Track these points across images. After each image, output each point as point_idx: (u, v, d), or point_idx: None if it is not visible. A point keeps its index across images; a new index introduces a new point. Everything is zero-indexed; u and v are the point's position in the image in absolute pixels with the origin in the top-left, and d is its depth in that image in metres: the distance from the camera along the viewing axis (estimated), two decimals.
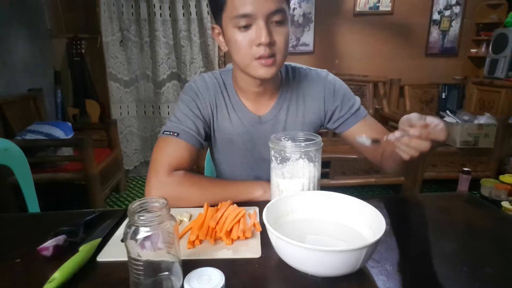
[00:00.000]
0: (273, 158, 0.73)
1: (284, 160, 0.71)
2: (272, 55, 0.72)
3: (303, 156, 0.70)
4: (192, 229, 0.65)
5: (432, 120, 0.56)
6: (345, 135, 0.91)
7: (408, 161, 0.62)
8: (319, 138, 0.72)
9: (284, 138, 0.73)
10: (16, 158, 1.14)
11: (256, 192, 0.80)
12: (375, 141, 0.61)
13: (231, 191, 0.79)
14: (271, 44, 0.71)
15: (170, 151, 0.79)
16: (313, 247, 0.48)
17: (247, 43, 0.71)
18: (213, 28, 0.80)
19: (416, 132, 0.55)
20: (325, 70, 0.92)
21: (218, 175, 0.99)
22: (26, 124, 2.14)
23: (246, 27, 0.70)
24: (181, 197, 0.76)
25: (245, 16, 0.69)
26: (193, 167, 0.84)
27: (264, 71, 0.74)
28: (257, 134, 0.88)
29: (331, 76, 0.91)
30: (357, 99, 0.91)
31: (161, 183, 0.76)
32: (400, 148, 0.59)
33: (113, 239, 0.65)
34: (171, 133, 0.80)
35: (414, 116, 0.58)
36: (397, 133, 0.57)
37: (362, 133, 0.83)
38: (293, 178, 0.71)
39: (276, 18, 0.70)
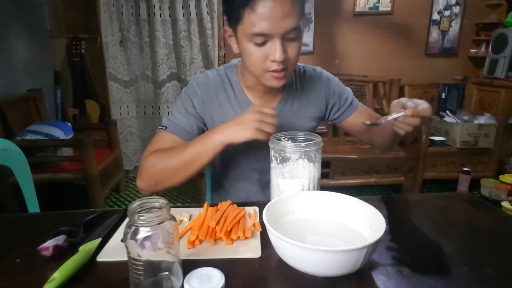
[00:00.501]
0: (273, 158, 0.73)
1: (284, 160, 0.71)
2: (284, 69, 0.75)
3: (303, 156, 0.70)
4: (192, 229, 0.65)
5: (419, 101, 0.68)
6: (343, 124, 1.00)
7: (399, 136, 0.77)
8: (319, 138, 0.72)
9: (284, 138, 0.73)
10: (16, 159, 1.14)
11: (215, 135, 0.73)
12: (375, 124, 0.76)
13: (195, 145, 0.75)
14: (284, 60, 0.72)
15: (156, 143, 0.81)
16: (313, 247, 0.48)
17: (261, 57, 0.73)
18: (225, 31, 0.80)
19: (409, 112, 0.67)
20: (318, 67, 0.97)
21: (222, 171, 0.99)
22: (26, 124, 2.14)
23: (262, 44, 0.71)
24: (162, 171, 0.75)
25: (262, 34, 0.70)
26: None
27: (275, 82, 0.77)
28: None
29: (325, 72, 0.97)
30: (349, 90, 0.98)
31: (142, 173, 0.77)
32: (398, 126, 0.70)
33: (113, 239, 0.65)
34: (162, 127, 0.83)
35: (403, 99, 0.70)
36: (394, 114, 0.69)
37: (358, 121, 0.96)
38: (293, 178, 0.71)
39: (291, 35, 0.72)
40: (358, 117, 0.96)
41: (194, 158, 0.74)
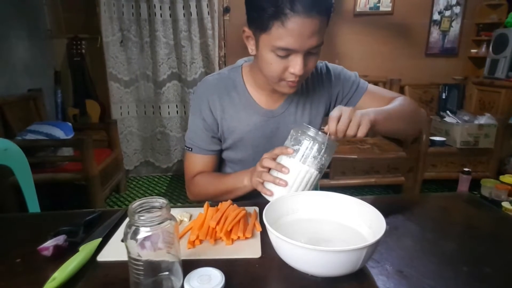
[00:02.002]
0: (288, 137, 0.73)
1: (297, 141, 0.70)
2: (300, 79, 0.76)
3: (315, 148, 0.69)
4: (192, 229, 0.65)
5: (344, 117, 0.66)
6: None
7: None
8: (335, 144, 0.71)
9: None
10: (16, 158, 1.14)
11: (245, 179, 0.82)
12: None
13: (231, 182, 0.86)
14: (303, 73, 0.73)
15: (188, 164, 0.94)
16: (313, 247, 0.48)
17: (281, 69, 0.73)
18: (243, 31, 0.78)
19: (332, 137, 0.68)
20: (320, 61, 0.95)
21: (225, 171, 1.00)
22: (26, 124, 2.14)
23: (284, 56, 0.71)
24: (206, 195, 0.88)
25: (287, 49, 0.69)
26: (216, 167, 0.97)
27: (288, 90, 0.79)
28: (270, 127, 0.90)
29: (325, 64, 0.95)
30: (355, 74, 0.95)
31: (191, 192, 0.94)
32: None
33: (113, 239, 0.65)
34: (188, 148, 0.92)
35: (337, 112, 0.67)
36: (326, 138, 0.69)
37: (371, 105, 0.88)
38: (296, 159, 0.70)
39: (314, 50, 0.72)
40: (369, 100, 0.91)
41: (229, 192, 0.85)
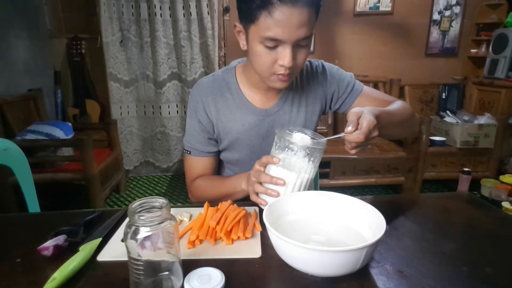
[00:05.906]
0: (273, 144, 0.73)
1: (281, 148, 0.70)
2: (291, 73, 0.75)
3: (303, 151, 0.69)
4: (192, 229, 0.65)
5: (365, 121, 0.63)
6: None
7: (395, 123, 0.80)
8: (324, 141, 0.71)
9: (293, 131, 0.73)
10: (16, 158, 1.14)
11: (242, 184, 0.82)
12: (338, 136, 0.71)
13: (229, 186, 0.86)
14: (292, 65, 0.73)
15: (188, 167, 0.95)
16: (313, 247, 0.48)
17: (270, 61, 0.73)
18: (234, 26, 0.79)
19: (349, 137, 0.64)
20: (315, 59, 0.96)
21: (224, 171, 1.00)
22: (26, 124, 2.14)
23: (273, 47, 0.71)
24: (207, 197, 0.87)
25: (274, 40, 0.69)
26: (215, 169, 0.98)
27: (280, 84, 0.78)
28: (265, 127, 0.90)
29: (322, 63, 0.95)
30: (350, 75, 0.94)
31: (193, 194, 0.95)
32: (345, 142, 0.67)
33: (113, 239, 0.65)
34: (186, 151, 0.93)
35: (357, 112, 0.65)
36: (337, 135, 0.70)
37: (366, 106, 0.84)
38: (285, 168, 0.70)
39: (303, 42, 0.72)
40: (363, 102, 0.90)
41: (229, 195, 0.85)
